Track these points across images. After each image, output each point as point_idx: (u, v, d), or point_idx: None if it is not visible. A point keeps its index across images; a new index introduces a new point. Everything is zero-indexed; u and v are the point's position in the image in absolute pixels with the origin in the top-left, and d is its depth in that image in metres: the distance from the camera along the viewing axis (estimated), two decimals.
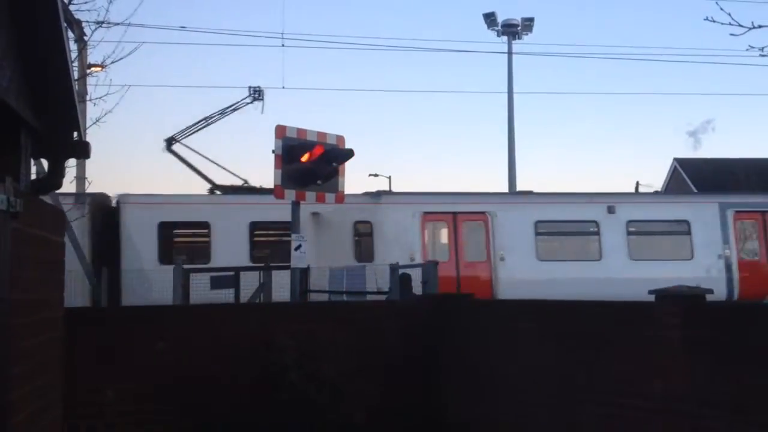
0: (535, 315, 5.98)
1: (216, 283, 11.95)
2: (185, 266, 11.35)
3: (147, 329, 5.81)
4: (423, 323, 6.63)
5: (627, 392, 5.03)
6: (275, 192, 10.20)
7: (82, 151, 5.17)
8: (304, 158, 10.26)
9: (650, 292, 5.00)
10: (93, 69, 20.95)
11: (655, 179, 53.51)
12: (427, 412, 6.53)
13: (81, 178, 20.25)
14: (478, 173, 61.01)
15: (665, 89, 57.62)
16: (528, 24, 28.89)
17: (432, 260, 9.06)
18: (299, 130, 10.42)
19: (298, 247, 10.25)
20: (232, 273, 11.54)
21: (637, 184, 40.82)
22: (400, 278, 9.57)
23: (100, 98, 10.01)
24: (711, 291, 5.07)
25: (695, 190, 33.46)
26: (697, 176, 36.54)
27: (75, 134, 5.22)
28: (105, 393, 5.63)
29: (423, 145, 63.60)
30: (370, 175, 40.12)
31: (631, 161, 62.33)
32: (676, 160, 40.30)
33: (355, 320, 6.56)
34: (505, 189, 27.11)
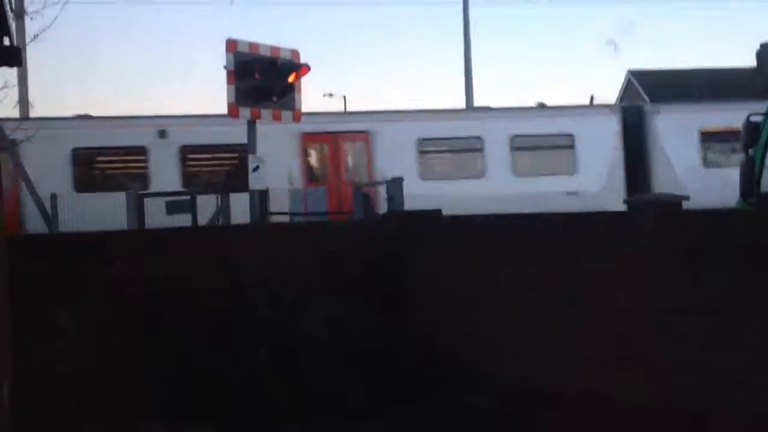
0: (504, 229, 5.83)
1: (172, 209, 11.58)
2: None
3: (97, 256, 5.51)
4: (388, 241, 6.44)
5: (602, 305, 4.94)
6: (229, 110, 9.79)
7: (13, 58, 4.70)
8: (258, 73, 9.83)
9: (624, 201, 4.86)
10: None
11: (610, 92, 53.48)
12: (391, 329, 6.41)
13: (24, 101, 19.31)
14: (439, 90, 60.25)
15: None
16: None
17: (397, 176, 8.80)
18: (251, 44, 9.95)
19: (255, 169, 9.93)
20: (188, 197, 11.19)
21: (592, 98, 40.56)
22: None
23: (36, 12, 9.37)
24: (687, 198, 4.97)
25: (648, 101, 33.50)
26: (653, 88, 36.59)
27: (5, 40, 4.73)
28: (59, 319, 5.37)
29: (381, 61, 62.52)
30: (324, 95, 39.31)
31: (588, 72, 62.13)
32: (630, 71, 40.22)
33: (317, 240, 6.35)
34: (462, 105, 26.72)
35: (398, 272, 6.34)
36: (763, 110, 6.97)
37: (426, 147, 17.22)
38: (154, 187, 14.71)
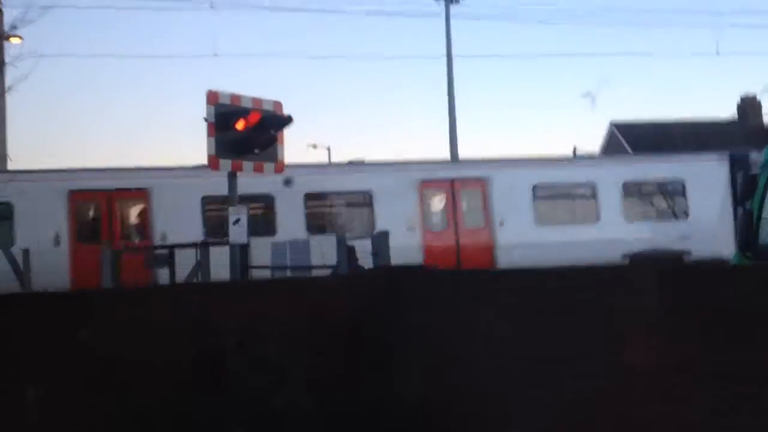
0: (495, 285, 5.56)
1: (152, 263, 11.24)
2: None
3: (67, 316, 5.15)
4: (375, 296, 6.12)
5: (605, 365, 4.65)
6: (209, 162, 9.57)
7: None
8: (240, 126, 9.65)
9: (624, 256, 4.61)
10: (12, 40, 19.68)
11: (592, 143, 54.16)
12: (380, 393, 6.06)
13: (2, 156, 19.13)
14: (423, 141, 60.75)
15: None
16: None
17: (383, 230, 8.54)
18: (233, 96, 9.78)
19: (236, 221, 9.66)
20: (165, 251, 10.87)
21: (575, 149, 40.88)
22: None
23: (11, 63, 9.17)
24: (689, 252, 4.73)
25: (630, 153, 33.77)
26: (635, 139, 36.88)
27: None
28: (25, 393, 4.97)
29: (364, 113, 63.06)
30: (309, 146, 39.37)
31: (569, 125, 63.04)
32: (612, 123, 40.65)
33: (302, 297, 6.02)
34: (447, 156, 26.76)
35: (385, 330, 6.02)
36: None
37: (541, 193, 17.43)
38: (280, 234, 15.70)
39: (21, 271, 13.35)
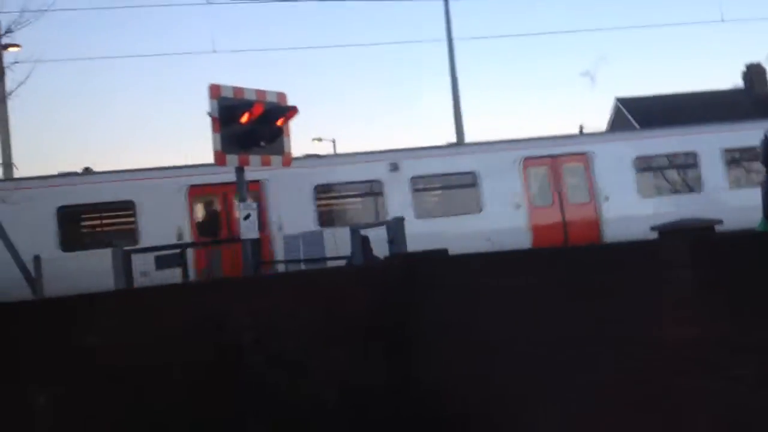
0: (518, 267, 5.37)
1: (161, 263, 11.08)
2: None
3: (73, 321, 4.98)
4: (392, 286, 5.95)
5: (638, 344, 4.46)
6: (215, 158, 9.38)
7: None
8: (244, 119, 9.46)
9: (652, 228, 4.42)
10: (11, 49, 19.57)
11: (599, 120, 53.67)
12: (400, 381, 5.88)
13: (8, 164, 19.01)
14: (428, 126, 60.49)
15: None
16: None
17: (398, 216, 8.33)
18: (235, 89, 9.59)
19: (247, 217, 9.48)
20: (177, 251, 10.71)
21: (581, 127, 40.68)
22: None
23: (9, 67, 9.01)
24: (720, 221, 4.52)
25: (638, 128, 33.44)
26: (641, 114, 36.52)
27: None
28: (35, 400, 4.81)
29: (367, 102, 62.82)
30: (313, 139, 39.21)
31: (573, 103, 62.63)
32: (617, 99, 40.26)
33: (318, 289, 5.84)
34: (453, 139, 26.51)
35: (404, 320, 5.84)
36: None
37: (642, 165, 17.60)
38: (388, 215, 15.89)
39: (32, 278, 13.25)
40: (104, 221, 16.73)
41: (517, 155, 17.33)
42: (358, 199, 17.85)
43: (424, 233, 13.84)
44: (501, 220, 16.61)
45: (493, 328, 5.36)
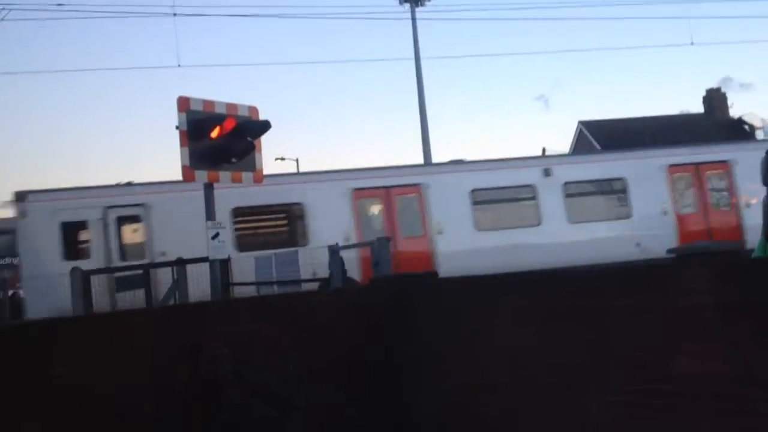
0: (521, 290, 5.01)
1: (123, 285, 10.50)
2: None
3: (36, 351, 4.47)
4: (380, 311, 5.53)
5: (649, 378, 4.13)
6: (183, 174, 8.90)
7: None
8: (214, 133, 9.00)
9: (669, 251, 4.12)
10: None
11: (561, 143, 54.18)
12: (391, 416, 5.46)
13: None
14: (396, 145, 60.51)
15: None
16: None
17: (384, 236, 7.91)
18: (205, 102, 9.13)
19: (215, 236, 9.00)
20: (140, 272, 10.16)
21: (544, 150, 40.94)
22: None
23: None
24: (743, 245, 4.24)
25: (599, 149, 33.68)
26: (604, 136, 36.81)
27: None
28: None
29: (334, 121, 62.66)
30: (276, 158, 38.71)
31: (539, 125, 63.22)
32: (580, 122, 40.62)
33: (298, 316, 5.41)
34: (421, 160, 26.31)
35: (395, 348, 5.43)
36: None
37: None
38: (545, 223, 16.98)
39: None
40: (275, 222, 17.13)
41: (662, 162, 17.67)
42: (513, 203, 18.06)
43: (579, 240, 15.19)
44: (650, 226, 17.02)
45: (494, 356, 4.99)
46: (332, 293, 7.03)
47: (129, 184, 17.06)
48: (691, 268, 4.07)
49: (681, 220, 17.70)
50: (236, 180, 9.37)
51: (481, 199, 17.67)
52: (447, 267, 15.67)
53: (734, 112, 36.95)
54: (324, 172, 17.63)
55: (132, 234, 15.64)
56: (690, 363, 4.06)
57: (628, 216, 17.60)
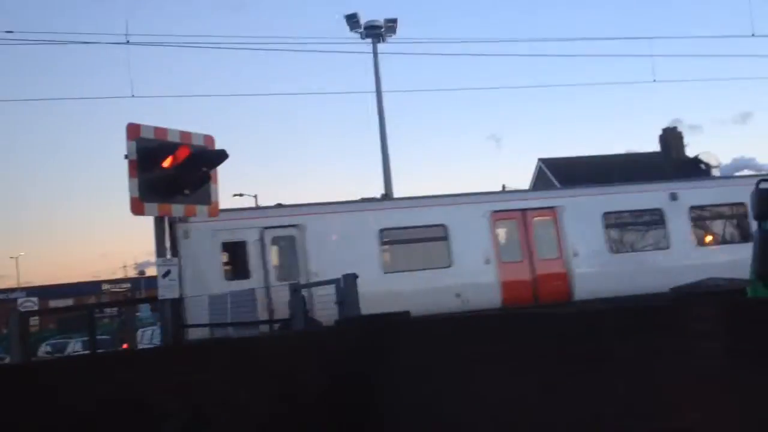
0: (502, 333, 4.53)
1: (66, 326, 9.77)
2: None
3: None
4: (349, 355, 5.00)
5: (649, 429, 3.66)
6: (131, 206, 8.27)
7: None
8: (167, 163, 8.42)
9: (672, 289, 3.69)
10: None
11: (522, 179, 54.34)
12: None
13: None
14: (358, 177, 60.19)
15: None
16: (391, 26, 27.81)
17: (349, 273, 7.35)
18: (157, 130, 8.54)
19: (166, 274, 8.38)
20: (84, 311, 9.46)
21: (503, 186, 40.80)
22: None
23: None
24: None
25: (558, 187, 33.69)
26: (563, 174, 36.90)
27: None
28: None
29: (295, 154, 62.17)
30: (234, 195, 37.92)
31: (502, 162, 63.58)
32: (540, 159, 40.74)
33: (260, 362, 4.84)
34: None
35: (362, 397, 4.89)
36: None
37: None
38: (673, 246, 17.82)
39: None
40: (418, 244, 17.23)
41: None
42: (641, 226, 18.41)
43: (706, 263, 15.14)
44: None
45: (469, 407, 4.49)
46: (296, 336, 6.45)
47: (279, 205, 17.11)
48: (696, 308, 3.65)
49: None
50: (190, 213, 8.78)
51: (613, 221, 18.08)
52: (582, 288, 16.31)
53: (689, 152, 37.40)
54: (464, 194, 18.16)
55: (286, 254, 15.81)
56: (693, 414, 3.64)
57: (745, 238, 17.49)
